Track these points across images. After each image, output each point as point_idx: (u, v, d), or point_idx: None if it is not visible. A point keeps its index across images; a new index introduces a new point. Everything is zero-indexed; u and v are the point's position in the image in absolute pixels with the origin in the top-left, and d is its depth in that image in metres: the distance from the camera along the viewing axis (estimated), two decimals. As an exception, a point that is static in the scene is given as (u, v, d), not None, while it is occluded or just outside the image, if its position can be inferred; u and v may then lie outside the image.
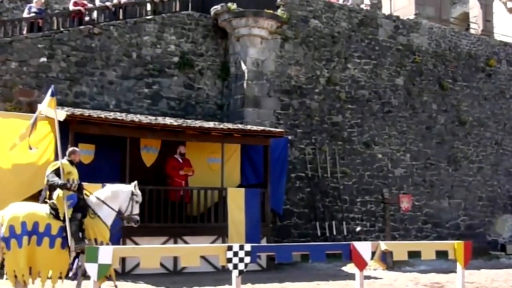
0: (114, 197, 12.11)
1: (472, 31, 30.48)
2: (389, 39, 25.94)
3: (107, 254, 9.51)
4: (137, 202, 12.33)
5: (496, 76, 28.86)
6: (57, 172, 11.69)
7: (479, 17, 30.46)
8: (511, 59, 29.57)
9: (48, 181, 11.71)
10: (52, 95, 12.21)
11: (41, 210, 11.55)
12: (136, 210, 12.32)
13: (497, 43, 29.70)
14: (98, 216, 11.80)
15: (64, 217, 11.39)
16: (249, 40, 22.82)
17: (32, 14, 21.23)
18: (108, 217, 11.97)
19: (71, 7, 21.84)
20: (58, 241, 11.34)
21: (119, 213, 12.15)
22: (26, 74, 19.83)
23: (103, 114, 17.65)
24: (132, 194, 12.26)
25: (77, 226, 11.50)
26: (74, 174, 11.87)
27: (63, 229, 11.38)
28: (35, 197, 13.19)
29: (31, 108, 18.26)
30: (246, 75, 22.57)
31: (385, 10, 28.47)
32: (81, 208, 11.69)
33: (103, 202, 11.93)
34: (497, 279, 17.87)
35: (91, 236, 11.59)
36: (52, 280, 11.36)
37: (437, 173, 26.37)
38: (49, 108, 12.66)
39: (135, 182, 12.54)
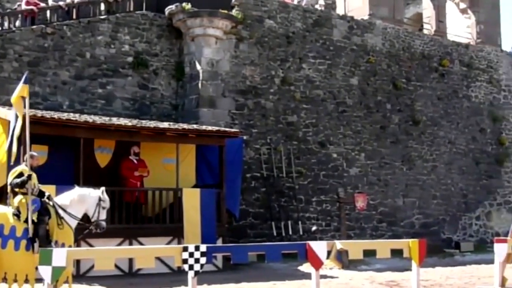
0: (80, 201, 11.97)
1: (425, 31, 30.75)
2: (344, 39, 26.07)
3: (61, 256, 9.36)
4: (104, 208, 12.18)
5: (449, 76, 29.17)
6: (19, 177, 11.50)
7: (432, 18, 30.70)
8: (463, 59, 29.93)
9: (12, 186, 11.51)
10: (26, 82, 11.83)
11: (6, 212, 11.36)
12: (103, 216, 12.18)
13: (450, 43, 30.03)
14: (63, 219, 11.64)
15: (27, 219, 11.22)
16: (204, 40, 22.75)
17: (-17, 14, 20.92)
18: (73, 220, 11.82)
19: (24, 6, 21.56)
20: (23, 243, 11.16)
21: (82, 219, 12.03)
22: (-23, 74, 19.54)
23: (56, 115, 17.46)
24: (100, 199, 12.11)
25: (44, 229, 11.35)
26: (34, 178, 11.68)
27: (27, 231, 11.20)
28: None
29: (-18, 109, 17.94)
30: (201, 75, 22.50)
31: (340, 11, 28.56)
32: (46, 210, 11.53)
33: (64, 210, 11.76)
34: (451, 277, 18.03)
35: (57, 239, 11.44)
36: (18, 283, 11.15)
37: (391, 172, 26.58)
38: (14, 102, 12.19)
39: (103, 188, 12.38)
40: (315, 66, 25.08)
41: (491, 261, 15.44)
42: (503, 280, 14.59)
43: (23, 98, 11.67)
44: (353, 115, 25.79)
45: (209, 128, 20.12)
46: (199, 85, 22.46)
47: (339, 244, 11.91)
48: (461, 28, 32.26)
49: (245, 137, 21.93)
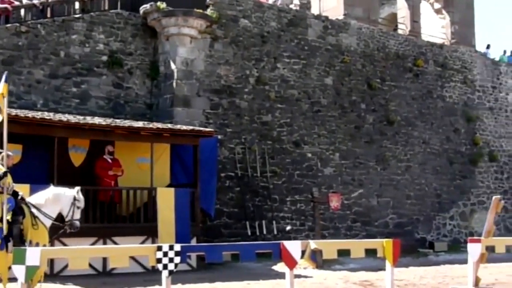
0: (55, 200, 11.91)
1: (400, 31, 30.89)
2: (318, 39, 26.14)
3: (35, 255, 9.30)
4: (78, 207, 12.13)
5: (423, 76, 29.33)
6: None
7: (407, 18, 30.86)
8: (438, 60, 30.10)
9: None
10: (6, 81, 11.68)
11: None
12: (78, 215, 12.12)
13: (424, 43, 30.19)
14: (38, 219, 11.57)
15: (1, 218, 11.13)
16: (178, 39, 22.71)
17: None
18: (47, 220, 11.75)
19: (-3, 5, 21.40)
20: None
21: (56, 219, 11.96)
22: (-51, 72, 19.32)
23: (30, 114, 17.36)
24: (75, 199, 12.05)
25: (19, 229, 11.27)
26: (9, 178, 11.58)
27: (2, 230, 11.11)
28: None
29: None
30: (175, 74, 22.46)
31: (314, 10, 28.63)
32: (20, 210, 11.45)
33: (38, 209, 11.68)
34: (425, 276, 18.11)
35: (32, 239, 11.37)
36: (-7, 282, 11.09)
37: (366, 172, 26.68)
38: None
39: (78, 187, 12.33)
40: (290, 65, 25.12)
41: (464, 261, 15.47)
42: (477, 280, 14.64)
43: (3, 96, 11.57)
44: (328, 115, 25.86)
45: (184, 127, 20.09)
46: (174, 84, 22.42)
47: (313, 244, 11.91)
48: (435, 28, 32.43)
49: (219, 137, 21.94)
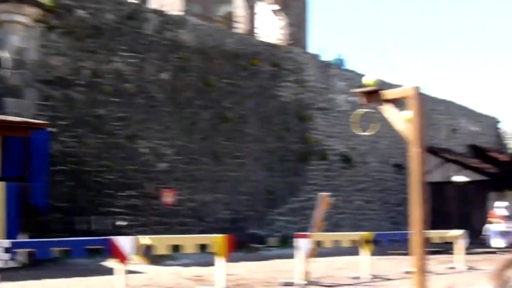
0: None
1: (237, 30, 31.22)
2: (156, 34, 25.95)
3: None
4: None
5: (258, 75, 29.77)
6: None
7: (244, 17, 31.26)
8: (273, 59, 30.63)
9: None
10: None
11: None
12: None
13: (260, 43, 30.67)
14: None
15: None
16: (10, 26, 21.85)
17: None
18: None
19: None
20: None
21: None
22: None
23: None
24: None
25: None
26: None
27: None
28: None
29: None
30: (6, 63, 21.61)
31: (153, 5, 28.45)
32: None
33: None
34: (256, 271, 18.38)
35: None
36: None
37: (200, 168, 26.77)
38: None
39: None
40: (126, 59, 24.79)
41: (294, 256, 15.89)
42: (306, 274, 15.10)
43: None
44: (163, 110, 25.73)
45: (14, 119, 19.39)
46: (4, 74, 21.58)
47: (145, 239, 11.84)
48: (272, 29, 33.05)
49: (51, 129, 21.29)
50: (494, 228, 24.79)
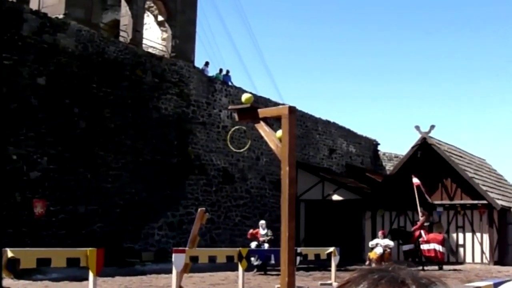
0: None
1: (121, 39, 30.52)
2: (34, 36, 24.84)
3: None
4: None
5: (140, 86, 29.13)
6: None
7: (129, 26, 30.58)
8: (156, 71, 30.10)
9: None
10: None
11: None
12: None
13: (144, 53, 30.11)
14: None
15: None
16: None
17: None
18: None
19: None
20: None
21: None
22: None
23: None
24: None
25: None
26: None
27: None
28: None
29: None
30: None
31: (33, 5, 27.25)
32: None
33: None
34: (130, 286, 18.04)
35: None
36: None
37: (74, 178, 25.78)
38: None
39: None
40: None
41: (171, 271, 15.61)
42: (179, 290, 14.96)
43: None
44: (38, 117, 24.58)
45: None
46: None
47: (10, 252, 11.12)
48: (157, 40, 32.57)
49: None
50: (253, 245, 25.07)
